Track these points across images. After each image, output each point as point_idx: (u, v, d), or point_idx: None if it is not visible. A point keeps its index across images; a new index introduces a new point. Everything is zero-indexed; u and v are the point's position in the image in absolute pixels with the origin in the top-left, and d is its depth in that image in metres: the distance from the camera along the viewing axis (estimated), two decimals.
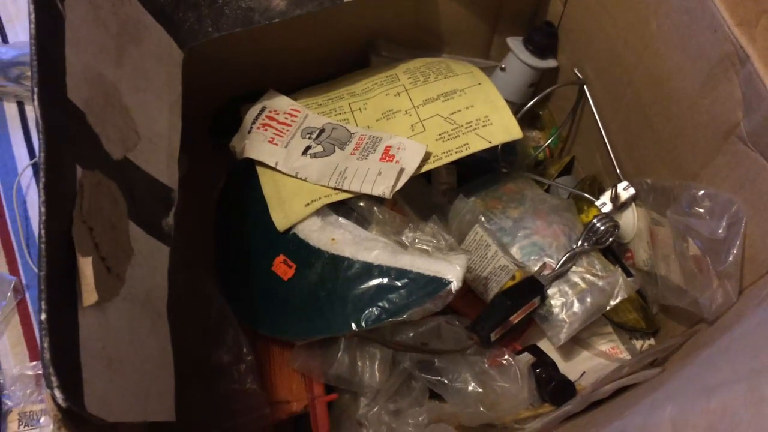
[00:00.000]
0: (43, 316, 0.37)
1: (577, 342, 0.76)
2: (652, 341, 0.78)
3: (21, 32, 1.10)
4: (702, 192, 0.63)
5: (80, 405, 0.38)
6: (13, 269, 0.92)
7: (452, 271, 0.64)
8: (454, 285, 0.63)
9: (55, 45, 0.47)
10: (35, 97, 0.43)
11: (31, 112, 1.04)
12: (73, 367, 0.38)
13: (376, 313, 0.65)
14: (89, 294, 0.40)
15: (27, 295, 0.90)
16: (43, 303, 0.37)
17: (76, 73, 0.49)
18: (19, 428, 0.79)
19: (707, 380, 0.43)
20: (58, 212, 0.41)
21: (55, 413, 0.36)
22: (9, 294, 0.89)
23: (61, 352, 0.37)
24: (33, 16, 0.46)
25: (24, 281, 0.91)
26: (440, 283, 0.64)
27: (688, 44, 0.62)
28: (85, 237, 0.42)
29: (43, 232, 0.39)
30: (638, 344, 0.78)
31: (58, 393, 0.36)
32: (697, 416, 0.39)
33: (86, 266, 0.40)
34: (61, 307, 0.39)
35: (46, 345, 0.36)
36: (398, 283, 0.65)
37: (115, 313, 0.45)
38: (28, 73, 1.01)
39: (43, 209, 0.40)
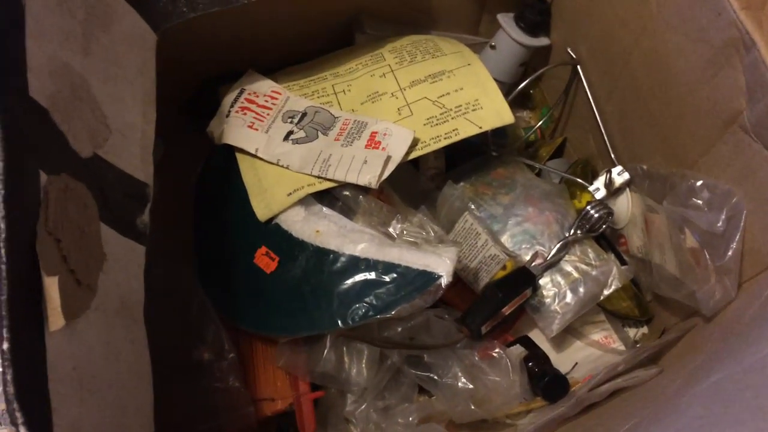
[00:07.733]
0: (5, 346, 0.34)
1: (568, 331, 0.74)
2: (645, 329, 0.77)
3: None
4: (700, 182, 0.61)
5: None
6: None
7: (442, 265, 0.62)
8: (444, 279, 0.61)
9: (14, 39, 0.43)
10: None
11: None
12: (41, 397, 0.36)
13: (362, 309, 0.62)
14: (56, 318, 0.37)
15: None
16: (4, 331, 0.34)
17: (39, 67, 0.45)
18: None
19: None
20: (20, 226, 0.38)
21: None
22: None
23: (27, 384, 0.34)
24: None
25: None
26: (430, 277, 0.61)
27: (690, 27, 0.59)
28: (51, 251, 0.39)
29: (3, 251, 0.36)
30: (631, 332, 0.77)
31: (23, 430, 0.33)
32: None
33: (52, 287, 0.37)
34: (26, 332, 0.36)
35: (9, 378, 0.33)
36: (386, 278, 0.63)
37: (87, 327, 0.42)
38: None
39: (2, 225, 0.36)
